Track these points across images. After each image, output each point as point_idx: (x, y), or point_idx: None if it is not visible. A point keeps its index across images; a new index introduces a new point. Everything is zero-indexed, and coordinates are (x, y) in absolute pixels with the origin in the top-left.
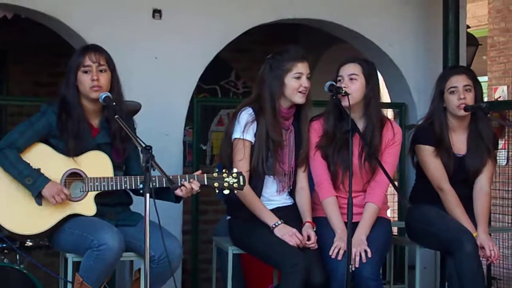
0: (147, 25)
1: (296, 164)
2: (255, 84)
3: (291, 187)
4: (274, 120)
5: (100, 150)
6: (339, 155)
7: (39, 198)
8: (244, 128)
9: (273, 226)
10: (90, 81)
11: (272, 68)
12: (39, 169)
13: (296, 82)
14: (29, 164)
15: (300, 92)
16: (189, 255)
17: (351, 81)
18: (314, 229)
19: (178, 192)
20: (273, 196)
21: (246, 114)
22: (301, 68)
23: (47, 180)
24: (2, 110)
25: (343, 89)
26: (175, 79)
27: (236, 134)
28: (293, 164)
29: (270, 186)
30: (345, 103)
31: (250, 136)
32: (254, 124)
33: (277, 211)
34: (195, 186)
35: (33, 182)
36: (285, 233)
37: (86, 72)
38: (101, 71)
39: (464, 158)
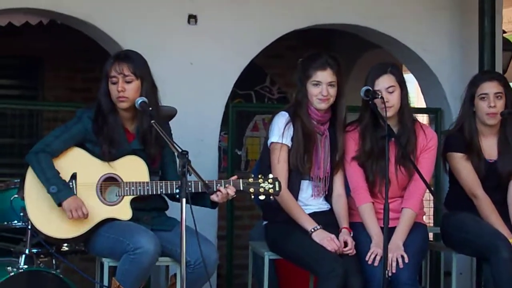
0: (183, 31)
1: (332, 169)
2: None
3: (326, 192)
4: (305, 121)
5: (136, 155)
6: (377, 164)
7: None
8: (281, 131)
9: (312, 230)
10: (116, 91)
11: (299, 72)
12: (67, 182)
13: (314, 89)
14: (59, 173)
15: (319, 99)
16: (223, 260)
17: (390, 94)
18: (351, 235)
19: (213, 197)
20: (308, 200)
21: (283, 118)
22: (320, 76)
23: (71, 193)
24: (37, 116)
25: (379, 94)
26: (210, 84)
27: (273, 138)
28: (328, 169)
29: (306, 191)
30: (383, 112)
31: (286, 140)
32: (291, 128)
33: (313, 216)
34: (231, 191)
35: (57, 191)
36: (324, 237)
37: (113, 83)
38: (127, 82)
39: (495, 163)
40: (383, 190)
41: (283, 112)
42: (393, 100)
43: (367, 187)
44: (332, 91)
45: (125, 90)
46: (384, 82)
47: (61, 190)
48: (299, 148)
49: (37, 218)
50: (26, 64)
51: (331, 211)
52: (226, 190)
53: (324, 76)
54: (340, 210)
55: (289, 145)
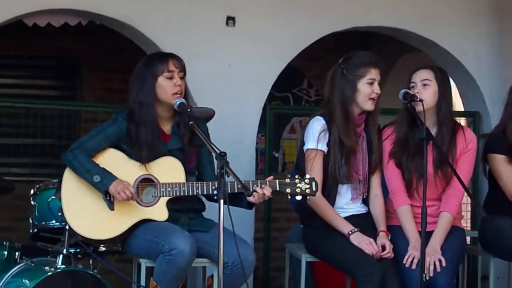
0: (221, 33)
1: (370, 171)
2: (325, 89)
3: (366, 194)
4: (346, 125)
5: (172, 155)
6: (413, 161)
7: (111, 202)
8: (316, 137)
9: (349, 233)
10: (173, 87)
11: (344, 73)
12: (107, 170)
13: (369, 88)
14: (97, 164)
15: (371, 98)
16: (260, 263)
17: (424, 86)
18: (389, 238)
19: (250, 198)
20: (347, 204)
21: (319, 124)
22: (374, 74)
23: (114, 177)
24: (76, 117)
25: (417, 96)
26: (248, 86)
27: (309, 144)
28: (366, 171)
29: (344, 195)
30: (419, 108)
31: (322, 146)
32: (327, 133)
33: (351, 219)
34: (267, 191)
35: (100, 180)
36: (362, 241)
37: (169, 78)
38: (181, 78)
39: None
40: (419, 190)
41: (319, 117)
42: (425, 94)
43: (405, 189)
44: (380, 90)
45: (181, 85)
46: (421, 75)
47: (103, 177)
48: (336, 155)
49: (74, 219)
50: (64, 64)
51: (368, 214)
52: (263, 191)
53: (377, 73)
54: (378, 213)
55: (325, 150)
